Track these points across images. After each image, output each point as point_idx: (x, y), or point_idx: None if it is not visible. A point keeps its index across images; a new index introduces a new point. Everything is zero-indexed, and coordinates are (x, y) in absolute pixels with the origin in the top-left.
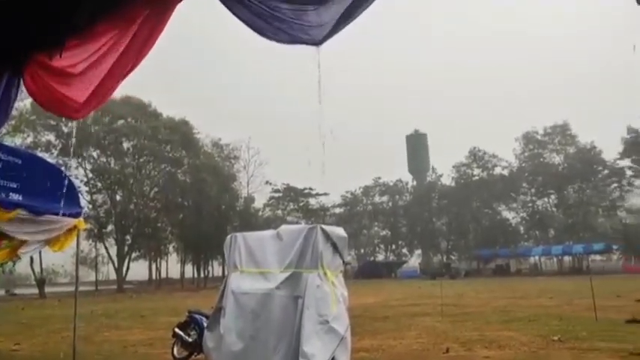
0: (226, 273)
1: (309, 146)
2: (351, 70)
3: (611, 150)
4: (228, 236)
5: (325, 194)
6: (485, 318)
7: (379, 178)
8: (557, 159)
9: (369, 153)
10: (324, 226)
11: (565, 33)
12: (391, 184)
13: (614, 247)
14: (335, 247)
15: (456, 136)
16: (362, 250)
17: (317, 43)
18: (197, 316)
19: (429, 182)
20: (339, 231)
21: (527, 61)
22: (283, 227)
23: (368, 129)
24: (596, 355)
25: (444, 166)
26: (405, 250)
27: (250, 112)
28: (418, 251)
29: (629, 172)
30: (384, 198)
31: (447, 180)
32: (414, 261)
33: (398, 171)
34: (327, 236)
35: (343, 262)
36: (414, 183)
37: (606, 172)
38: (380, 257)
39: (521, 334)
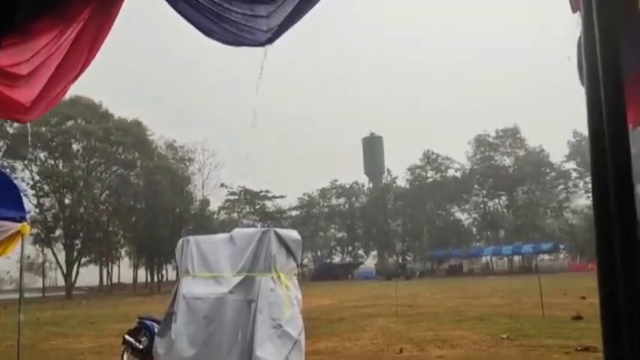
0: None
1: (264, 148)
2: (308, 71)
3: (557, 153)
4: (180, 240)
5: (282, 197)
6: (438, 318)
7: (336, 180)
8: (507, 161)
9: (327, 155)
10: (277, 230)
11: (514, 40)
12: (348, 186)
13: (561, 246)
14: (289, 250)
15: (411, 139)
16: (318, 252)
17: (263, 44)
18: (148, 322)
19: (384, 184)
20: (292, 234)
21: (480, 65)
22: (236, 231)
23: (326, 131)
24: (543, 352)
25: (399, 168)
26: (361, 252)
27: (206, 113)
28: (374, 252)
29: (574, 174)
30: (341, 200)
31: (402, 182)
32: (370, 262)
33: (354, 173)
34: (280, 239)
35: (297, 265)
36: (370, 185)
37: (553, 174)
38: (336, 259)
39: (473, 333)
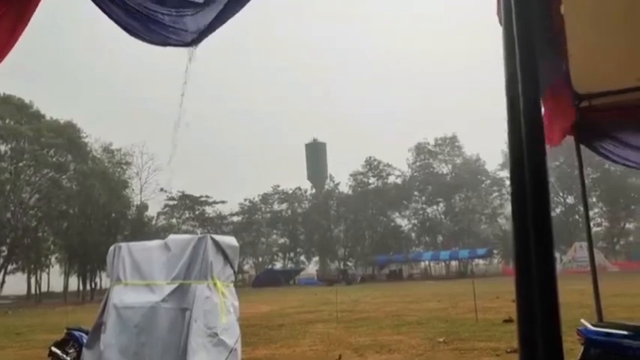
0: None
1: (207, 152)
2: (252, 76)
3: (493, 161)
4: (112, 247)
5: (222, 202)
6: (378, 323)
7: (278, 185)
8: (445, 169)
9: (270, 161)
10: (214, 236)
11: (454, 47)
12: (290, 191)
13: (495, 251)
14: (226, 257)
15: (354, 146)
16: (260, 259)
17: (189, 44)
18: (76, 332)
19: (327, 190)
20: (230, 240)
21: (420, 73)
22: (172, 237)
23: (270, 137)
24: (476, 354)
25: (342, 174)
26: (303, 258)
27: (148, 115)
28: (316, 258)
29: (507, 182)
30: (283, 206)
31: (345, 188)
32: (312, 268)
33: (297, 179)
34: (217, 246)
35: (234, 272)
36: (313, 191)
37: (489, 182)
38: (278, 265)
39: (411, 338)
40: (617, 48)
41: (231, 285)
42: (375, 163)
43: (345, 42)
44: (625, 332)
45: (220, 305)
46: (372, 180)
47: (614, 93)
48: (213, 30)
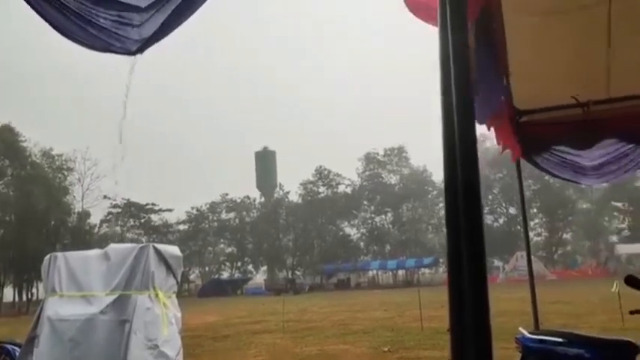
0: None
1: (154, 158)
2: (204, 82)
3: (439, 172)
4: (47, 256)
5: (169, 210)
6: (324, 332)
7: (227, 194)
8: (394, 179)
9: (219, 168)
10: (157, 245)
11: (400, 60)
12: (239, 200)
13: (441, 260)
14: (169, 267)
15: (304, 154)
16: (207, 268)
17: (133, 52)
18: (9, 346)
19: (276, 199)
20: (173, 250)
21: (373, 84)
22: (112, 246)
23: (218, 144)
24: None
25: (291, 183)
26: (251, 267)
27: (98, 118)
28: (264, 268)
29: None
30: (232, 215)
31: (295, 197)
32: (260, 277)
33: (246, 187)
34: (160, 255)
35: (177, 282)
36: (262, 199)
37: (435, 192)
38: (225, 275)
39: (356, 347)
40: (554, 67)
41: (174, 295)
42: (326, 172)
43: (300, 45)
44: (560, 339)
45: (162, 316)
46: (322, 189)
47: (551, 109)
48: (160, 38)
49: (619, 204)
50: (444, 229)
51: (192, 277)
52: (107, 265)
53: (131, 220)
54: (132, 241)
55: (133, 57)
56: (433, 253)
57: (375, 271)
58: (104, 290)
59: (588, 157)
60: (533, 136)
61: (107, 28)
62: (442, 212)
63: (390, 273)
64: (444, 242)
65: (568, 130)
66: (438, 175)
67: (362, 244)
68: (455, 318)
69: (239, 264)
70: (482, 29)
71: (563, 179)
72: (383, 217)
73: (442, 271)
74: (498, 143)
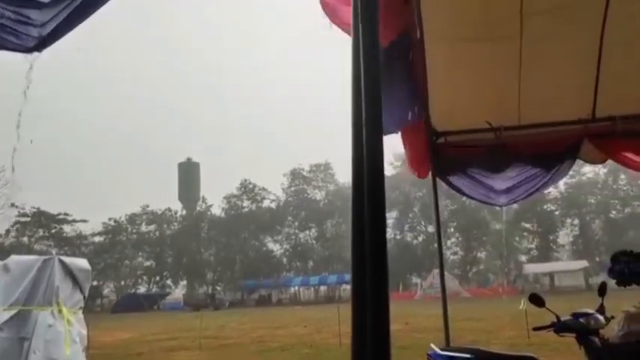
0: None
1: (71, 167)
2: (126, 84)
3: None
4: None
5: (84, 221)
6: (243, 349)
7: (147, 205)
8: (319, 195)
9: (140, 179)
10: (63, 258)
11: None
12: (160, 212)
13: None
14: (75, 281)
15: (229, 167)
16: (122, 282)
17: (30, 50)
18: None
19: (198, 212)
20: (81, 263)
21: (301, 97)
22: (13, 258)
23: (140, 154)
24: None
25: (215, 196)
26: (169, 282)
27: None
28: (184, 282)
29: None
30: (151, 227)
31: (218, 210)
32: (179, 292)
33: (168, 199)
34: (66, 268)
35: (84, 297)
36: (184, 212)
37: None
38: (142, 289)
39: None
40: (471, 92)
41: (80, 312)
42: (250, 186)
43: (230, 58)
44: (468, 355)
45: (65, 334)
46: (246, 203)
47: (466, 132)
48: (61, 36)
49: (528, 225)
50: None
51: (106, 291)
52: (6, 278)
53: (41, 230)
54: (40, 252)
55: (31, 55)
56: None
57: (296, 287)
58: (2, 305)
59: (499, 179)
60: (448, 157)
61: (3, 23)
62: None
63: (312, 289)
64: None
65: (481, 153)
66: None
67: (285, 259)
68: (356, 337)
69: (157, 278)
70: (401, 51)
71: (474, 199)
72: (307, 232)
73: None
74: (409, 162)
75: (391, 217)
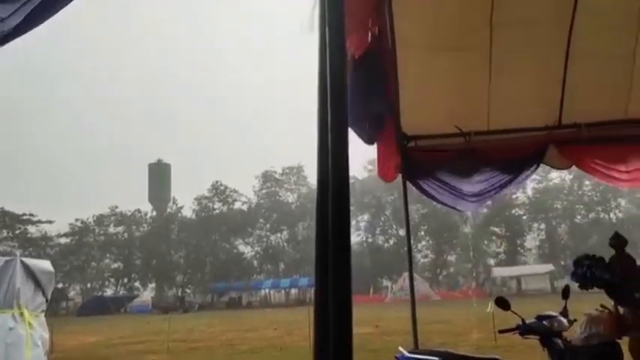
0: None
1: (36, 163)
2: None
3: None
4: None
5: (49, 222)
6: (211, 352)
7: (116, 206)
8: (291, 198)
9: (109, 179)
10: (25, 259)
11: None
12: (129, 213)
13: None
14: (37, 284)
15: (201, 169)
16: (89, 285)
17: None
18: None
19: (169, 213)
20: (44, 265)
21: (275, 98)
22: None
23: (110, 154)
24: None
25: (186, 197)
26: (138, 284)
27: None
28: (153, 285)
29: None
30: (120, 228)
31: (189, 212)
32: (148, 295)
33: (137, 200)
34: (28, 270)
35: (47, 300)
36: (154, 214)
37: None
38: (110, 292)
39: None
40: (442, 98)
41: (42, 315)
42: (222, 187)
43: (199, 57)
44: (435, 358)
45: (26, 337)
46: (217, 205)
47: (436, 137)
48: (25, 31)
49: (497, 229)
50: None
51: (72, 294)
52: None
53: (4, 230)
54: (4, 254)
55: None
56: None
57: (267, 290)
58: None
59: (468, 183)
60: (418, 161)
61: None
62: None
63: (283, 292)
64: None
65: (451, 158)
66: None
67: (256, 262)
68: (319, 342)
69: (125, 280)
70: (373, 57)
71: (443, 204)
72: (278, 235)
73: None
74: (378, 165)
75: (363, 220)
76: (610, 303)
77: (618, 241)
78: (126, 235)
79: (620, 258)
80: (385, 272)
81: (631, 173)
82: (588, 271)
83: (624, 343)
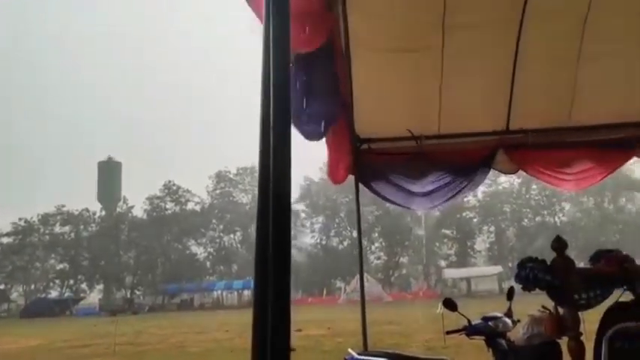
0: None
1: None
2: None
3: (295, 191)
4: None
5: None
6: (161, 355)
7: (63, 205)
8: (245, 198)
9: (56, 177)
10: None
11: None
12: (77, 212)
13: None
14: None
15: (154, 168)
16: (33, 286)
17: None
18: None
19: (118, 213)
20: None
21: (230, 96)
22: None
23: (57, 151)
24: None
25: (138, 197)
26: (84, 286)
27: None
28: (100, 286)
29: (303, 215)
30: (67, 228)
31: (140, 212)
32: (95, 297)
33: (86, 199)
34: None
35: None
36: (103, 213)
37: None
38: (54, 293)
39: None
40: (394, 101)
41: None
42: (174, 187)
43: (154, 55)
44: (384, 359)
45: None
46: (169, 205)
47: (388, 139)
48: None
49: (448, 231)
50: (292, 251)
51: (14, 295)
52: None
53: None
54: None
55: None
56: None
57: (220, 292)
58: None
59: (419, 186)
60: (371, 163)
61: None
62: (292, 233)
63: (236, 293)
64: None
65: (403, 161)
66: (292, 194)
67: (208, 263)
68: (258, 345)
69: (71, 282)
70: (326, 57)
71: (396, 204)
72: (232, 236)
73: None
74: (328, 166)
75: (318, 222)
76: (551, 304)
77: (559, 244)
78: (73, 235)
79: (560, 260)
80: (339, 274)
81: (575, 175)
82: (531, 273)
83: (564, 342)
